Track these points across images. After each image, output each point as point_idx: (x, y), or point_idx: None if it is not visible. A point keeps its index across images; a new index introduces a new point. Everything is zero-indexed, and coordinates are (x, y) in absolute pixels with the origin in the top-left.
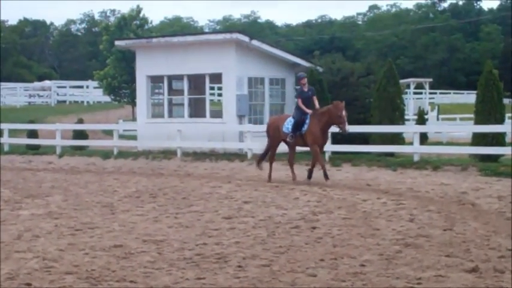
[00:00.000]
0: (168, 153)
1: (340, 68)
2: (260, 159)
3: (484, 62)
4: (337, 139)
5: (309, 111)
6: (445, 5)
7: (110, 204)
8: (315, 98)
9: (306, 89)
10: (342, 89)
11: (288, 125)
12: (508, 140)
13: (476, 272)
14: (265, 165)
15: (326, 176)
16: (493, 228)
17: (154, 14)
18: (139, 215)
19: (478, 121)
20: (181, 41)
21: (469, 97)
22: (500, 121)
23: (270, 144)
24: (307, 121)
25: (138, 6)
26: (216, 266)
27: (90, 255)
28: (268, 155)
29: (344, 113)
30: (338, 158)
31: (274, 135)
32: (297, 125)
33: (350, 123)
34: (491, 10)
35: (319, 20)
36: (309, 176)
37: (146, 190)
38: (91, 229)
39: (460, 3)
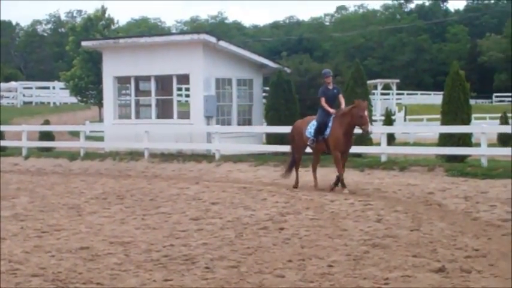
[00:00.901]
0: (135, 155)
1: (308, 68)
2: (288, 169)
3: (451, 63)
4: None
5: (332, 111)
6: (412, 6)
7: (77, 206)
8: (341, 96)
9: (330, 87)
10: (309, 89)
11: (310, 128)
12: (474, 140)
13: (443, 272)
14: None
15: (343, 185)
16: (460, 229)
17: (121, 15)
18: (106, 216)
19: (445, 122)
20: (148, 41)
21: (436, 98)
22: (467, 122)
23: (293, 150)
24: (330, 124)
25: (102, 6)
26: (184, 267)
27: (56, 257)
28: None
29: (366, 112)
30: (306, 159)
31: (297, 140)
32: (320, 129)
33: None
34: (457, 11)
35: (287, 21)
36: (336, 183)
37: (113, 192)
38: (57, 231)
39: (427, 4)
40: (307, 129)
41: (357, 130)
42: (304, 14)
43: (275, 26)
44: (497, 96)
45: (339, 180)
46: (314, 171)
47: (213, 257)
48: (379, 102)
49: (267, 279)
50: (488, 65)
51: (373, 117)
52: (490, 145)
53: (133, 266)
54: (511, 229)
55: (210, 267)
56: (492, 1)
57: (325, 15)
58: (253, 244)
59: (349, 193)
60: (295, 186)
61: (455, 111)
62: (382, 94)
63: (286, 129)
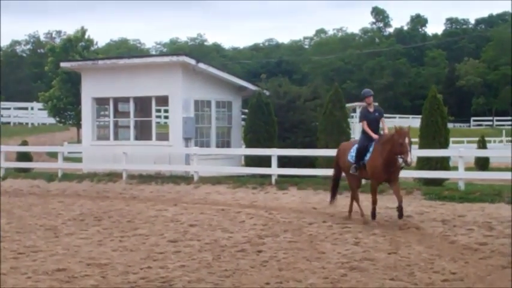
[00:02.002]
0: (113, 176)
1: (287, 91)
2: (332, 195)
3: (429, 87)
4: (283, 162)
5: (375, 136)
6: (391, 30)
7: (54, 227)
8: (383, 120)
9: (371, 110)
10: (288, 112)
11: (353, 152)
12: (451, 164)
13: None
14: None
15: (373, 216)
16: (437, 252)
17: (101, 36)
18: (84, 238)
19: (423, 145)
20: (127, 63)
21: (414, 121)
22: (445, 145)
23: (334, 174)
24: (371, 149)
25: (82, 27)
26: None
27: (32, 279)
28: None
29: (407, 140)
30: (284, 182)
31: (341, 163)
32: (360, 154)
33: (295, 146)
34: (435, 35)
35: (267, 44)
36: (400, 210)
37: (91, 213)
38: (34, 252)
39: (405, 28)
40: (350, 153)
41: (302, 153)
42: (284, 36)
43: (255, 48)
44: (475, 120)
45: (373, 211)
46: (357, 200)
47: (190, 279)
48: (358, 125)
49: None
50: (466, 89)
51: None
52: (468, 169)
53: None
54: (488, 253)
55: None
56: (470, 26)
57: (305, 38)
58: (231, 267)
59: (377, 225)
60: (349, 216)
61: (433, 134)
62: None
63: (264, 151)
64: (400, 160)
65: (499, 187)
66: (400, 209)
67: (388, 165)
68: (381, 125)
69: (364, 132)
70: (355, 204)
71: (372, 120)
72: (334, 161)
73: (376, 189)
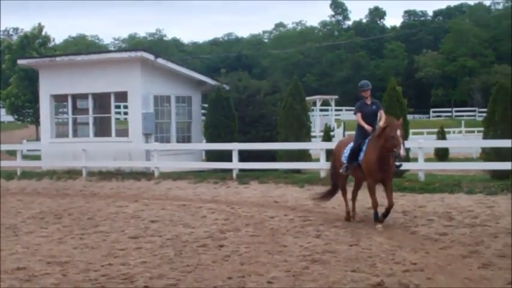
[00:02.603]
0: (73, 173)
1: (247, 85)
2: (324, 195)
3: (388, 79)
4: (244, 156)
5: (369, 128)
6: (349, 23)
7: (13, 225)
8: (382, 113)
9: (369, 102)
10: (248, 106)
11: (347, 152)
12: (411, 155)
13: (381, 287)
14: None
15: (376, 218)
16: (398, 243)
17: (58, 33)
18: (44, 236)
19: None
20: (85, 59)
21: None
22: (404, 137)
23: (332, 176)
24: (364, 147)
25: (39, 24)
26: (122, 286)
27: None
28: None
29: (399, 132)
30: (245, 176)
31: (337, 163)
32: (354, 153)
33: (256, 140)
34: (394, 28)
35: (226, 38)
36: (385, 215)
37: (51, 211)
38: None
39: (364, 21)
40: (344, 152)
41: (263, 147)
42: (243, 31)
43: (214, 43)
44: (434, 111)
45: (375, 213)
46: (353, 199)
47: (152, 275)
48: (318, 119)
49: None
50: (425, 81)
51: (313, 133)
52: (427, 160)
53: (71, 286)
54: (448, 243)
55: (149, 286)
56: (428, 18)
57: (264, 32)
58: (192, 262)
59: (382, 229)
60: (347, 218)
61: None
62: (321, 110)
63: (225, 146)
64: (395, 154)
65: (459, 177)
66: (386, 213)
67: (382, 162)
68: (381, 119)
69: (358, 126)
70: (356, 203)
71: (369, 113)
72: (331, 159)
73: (374, 191)
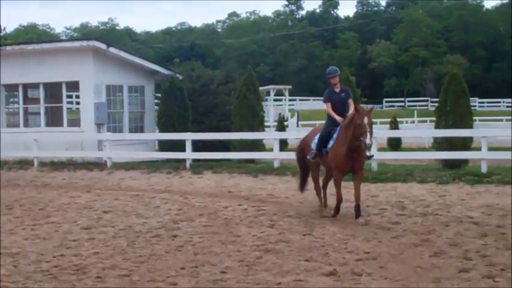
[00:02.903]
0: (24, 164)
1: (200, 75)
2: (300, 186)
3: (341, 69)
4: (198, 146)
5: (339, 118)
6: (303, 12)
7: None
8: (351, 101)
9: (337, 90)
10: (202, 96)
11: (316, 139)
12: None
13: (334, 276)
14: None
15: (336, 211)
16: (351, 232)
17: (9, 21)
18: None
19: None
20: (36, 48)
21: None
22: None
23: (298, 164)
24: (335, 135)
25: None
26: (74, 277)
27: None
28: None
29: (366, 120)
30: (199, 166)
31: (307, 152)
32: (322, 140)
33: (210, 130)
34: (347, 18)
35: (179, 27)
36: (357, 213)
37: (1, 202)
38: None
39: (318, 11)
40: (314, 140)
41: (216, 137)
42: (196, 20)
43: (167, 32)
44: (387, 101)
45: (337, 207)
46: (323, 189)
47: (104, 266)
48: (272, 108)
49: (159, 287)
50: (378, 71)
51: (267, 123)
52: (380, 149)
53: (22, 277)
54: (400, 231)
55: (102, 277)
56: (381, 8)
57: (217, 21)
58: (145, 252)
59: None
60: (320, 211)
61: (345, 116)
62: (275, 100)
63: (178, 136)
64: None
65: (411, 167)
66: (356, 207)
67: (351, 153)
68: (350, 108)
69: (329, 116)
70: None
71: (338, 102)
72: (297, 149)
73: (340, 183)
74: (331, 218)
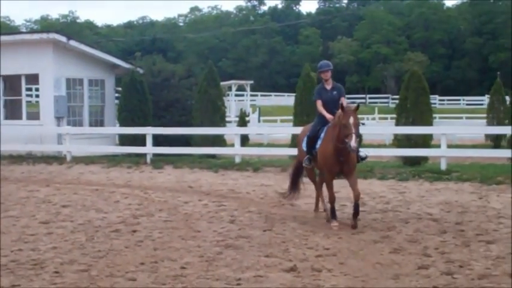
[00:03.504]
0: None
1: (161, 69)
2: (290, 188)
3: (303, 65)
4: (159, 141)
5: (330, 116)
6: (265, 8)
7: None
8: (343, 99)
9: (329, 87)
10: (163, 90)
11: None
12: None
13: (294, 272)
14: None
15: (333, 215)
16: (311, 228)
17: None
18: None
19: (297, 123)
20: None
21: (290, 99)
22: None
23: (295, 163)
24: (322, 135)
25: None
26: (32, 272)
27: None
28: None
29: (352, 120)
30: (160, 160)
31: (299, 151)
32: (311, 141)
33: (171, 125)
34: (309, 14)
35: (141, 21)
36: (355, 212)
37: None
38: None
39: (280, 6)
40: (305, 140)
41: (177, 132)
42: (158, 14)
43: (129, 26)
44: (348, 98)
45: (332, 210)
46: (318, 190)
47: (63, 261)
48: (233, 104)
49: (118, 282)
50: (340, 67)
51: (228, 119)
52: None
53: None
54: (360, 228)
55: (60, 272)
56: (343, 4)
57: (179, 15)
58: (104, 247)
59: (337, 228)
60: (316, 209)
61: (306, 112)
62: (236, 95)
63: (139, 130)
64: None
65: (372, 163)
66: (355, 206)
67: (339, 154)
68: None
69: (319, 114)
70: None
71: (329, 100)
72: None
73: (331, 184)
74: (292, 214)
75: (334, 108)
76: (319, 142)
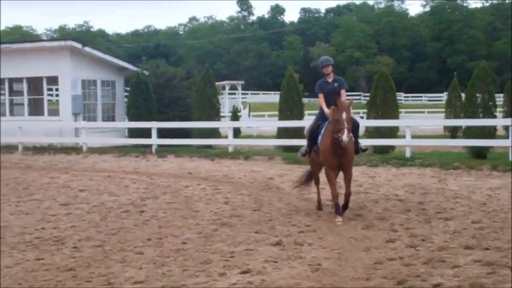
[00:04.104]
0: (10, 148)
1: (164, 71)
2: (302, 180)
3: (287, 67)
4: (162, 134)
5: (327, 111)
6: (254, 18)
7: None
8: (343, 92)
9: (330, 80)
10: (166, 90)
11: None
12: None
13: (280, 245)
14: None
15: (338, 210)
16: (294, 208)
17: None
18: None
19: (282, 117)
20: (20, 47)
21: (276, 97)
22: (300, 117)
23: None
24: (323, 130)
25: None
26: (54, 247)
27: None
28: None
29: (345, 115)
30: (164, 150)
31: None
32: (312, 135)
33: (173, 119)
34: (292, 23)
35: (146, 30)
36: (345, 206)
37: None
38: None
39: (266, 16)
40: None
41: (178, 125)
42: (161, 23)
43: (135, 34)
44: None
45: (336, 206)
46: (316, 184)
47: (80, 237)
48: (227, 101)
49: (128, 256)
50: (319, 69)
51: (222, 114)
52: None
53: (8, 247)
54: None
55: (78, 247)
56: (321, 15)
57: (179, 24)
58: (116, 226)
59: (341, 223)
60: (319, 207)
61: (290, 108)
62: (230, 94)
63: (145, 124)
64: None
65: None
66: (345, 204)
67: (335, 147)
68: (341, 99)
69: (320, 107)
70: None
71: (330, 92)
72: None
73: (333, 179)
74: (278, 196)
75: (335, 99)
76: (319, 138)
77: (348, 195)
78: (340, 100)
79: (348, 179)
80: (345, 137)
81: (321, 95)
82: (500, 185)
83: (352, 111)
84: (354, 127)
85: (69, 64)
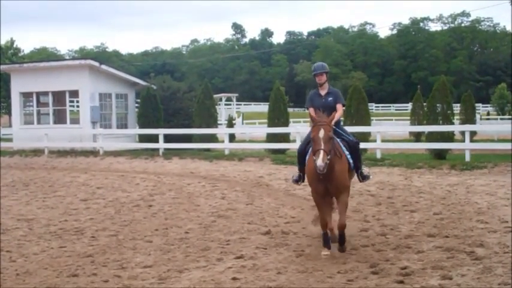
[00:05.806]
0: (37, 152)
1: (170, 86)
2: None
3: (274, 82)
4: (168, 139)
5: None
6: (246, 39)
7: None
8: (339, 106)
9: (323, 93)
10: (171, 101)
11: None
12: (291, 137)
13: (269, 234)
14: None
15: (325, 242)
16: (281, 202)
17: (26, 45)
18: (15, 199)
19: (270, 125)
20: (46, 65)
21: (265, 107)
22: (286, 124)
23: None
24: (310, 149)
25: (11, 38)
26: (75, 237)
27: None
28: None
29: (322, 134)
30: (169, 153)
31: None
32: (300, 157)
33: (177, 127)
34: (279, 44)
35: (154, 50)
36: (340, 239)
37: (20, 180)
38: None
39: (257, 38)
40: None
41: (182, 132)
42: (167, 44)
43: (145, 53)
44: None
45: (324, 236)
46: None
47: (97, 228)
48: (223, 111)
49: (139, 244)
50: (302, 83)
51: (219, 122)
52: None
53: (36, 237)
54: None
55: (95, 236)
56: (304, 37)
57: (183, 46)
58: (128, 218)
59: (328, 256)
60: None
61: (277, 117)
62: (226, 105)
63: (153, 131)
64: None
65: None
66: (340, 237)
67: (318, 173)
68: (336, 114)
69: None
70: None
71: (322, 107)
72: None
73: (320, 205)
74: (267, 192)
75: (329, 115)
76: (307, 157)
77: (341, 226)
78: (317, 114)
79: (340, 207)
80: (320, 161)
81: (311, 110)
82: (457, 181)
83: (337, 130)
84: (354, 149)
85: (88, 79)
